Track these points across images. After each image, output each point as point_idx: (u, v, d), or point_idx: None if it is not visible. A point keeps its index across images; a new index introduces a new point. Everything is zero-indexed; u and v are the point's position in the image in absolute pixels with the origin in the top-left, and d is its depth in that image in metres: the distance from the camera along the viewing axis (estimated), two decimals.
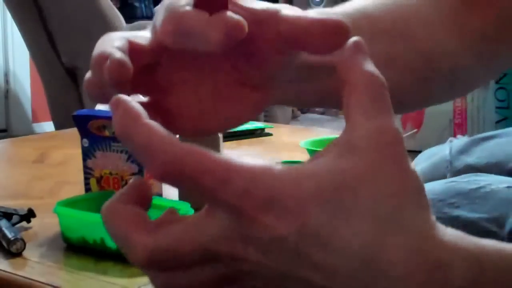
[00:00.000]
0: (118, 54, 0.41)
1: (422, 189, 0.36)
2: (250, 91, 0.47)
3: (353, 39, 0.39)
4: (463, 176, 0.65)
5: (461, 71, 0.59)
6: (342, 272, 0.34)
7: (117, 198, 0.38)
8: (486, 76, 0.65)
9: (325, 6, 7.39)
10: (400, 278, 0.34)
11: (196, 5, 0.42)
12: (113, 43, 0.43)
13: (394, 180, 0.35)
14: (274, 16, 0.43)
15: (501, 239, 0.54)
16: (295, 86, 0.49)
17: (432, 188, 0.61)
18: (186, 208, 0.89)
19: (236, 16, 0.41)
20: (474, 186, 0.59)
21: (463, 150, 0.79)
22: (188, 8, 0.42)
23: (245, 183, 0.34)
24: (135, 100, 0.37)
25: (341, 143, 0.36)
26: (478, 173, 0.69)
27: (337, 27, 0.40)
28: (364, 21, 0.55)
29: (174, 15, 0.42)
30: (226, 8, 0.42)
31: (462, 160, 0.77)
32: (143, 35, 0.45)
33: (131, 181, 0.40)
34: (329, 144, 0.36)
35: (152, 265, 0.37)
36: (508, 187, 0.59)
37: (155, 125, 0.35)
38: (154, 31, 0.44)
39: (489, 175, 0.66)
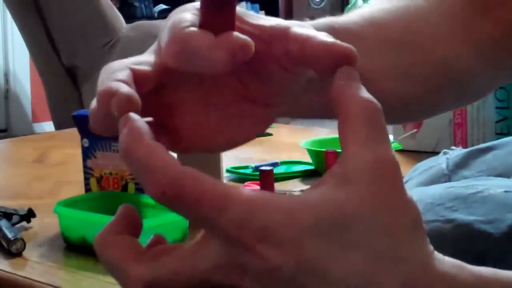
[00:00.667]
0: (125, 89, 0.40)
1: (419, 219, 0.36)
2: (257, 107, 0.47)
3: (344, 68, 0.38)
4: (462, 181, 0.65)
5: (471, 79, 0.59)
6: None
7: (108, 228, 0.38)
8: (494, 84, 0.65)
9: (325, 6, 7.32)
10: None
11: (201, 25, 0.41)
12: (116, 75, 0.41)
13: (390, 213, 0.35)
14: (284, 34, 0.42)
15: (496, 240, 0.54)
16: (303, 99, 0.49)
17: (431, 192, 0.61)
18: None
19: (243, 37, 0.40)
20: (472, 191, 0.59)
21: (461, 164, 0.78)
22: (193, 28, 0.40)
23: (243, 212, 0.34)
24: (143, 120, 0.37)
25: (338, 174, 0.36)
26: (477, 178, 0.69)
27: (346, 55, 0.39)
28: (371, 30, 0.54)
29: (178, 36, 0.40)
30: (232, 28, 0.41)
31: (460, 174, 0.77)
32: (146, 59, 0.44)
33: (119, 209, 0.40)
34: (326, 175, 0.36)
35: None
36: (506, 191, 0.59)
37: (157, 145, 0.35)
38: (159, 52, 0.42)
39: (487, 179, 0.66)
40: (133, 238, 0.38)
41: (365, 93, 0.37)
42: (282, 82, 0.45)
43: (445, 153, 0.83)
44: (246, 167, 1.28)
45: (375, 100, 0.37)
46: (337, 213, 0.34)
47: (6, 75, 5.10)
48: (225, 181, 1.19)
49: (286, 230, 0.34)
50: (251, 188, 0.37)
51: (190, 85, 0.45)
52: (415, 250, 0.35)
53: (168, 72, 0.43)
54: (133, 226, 0.39)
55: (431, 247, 0.36)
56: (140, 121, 0.36)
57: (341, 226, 0.34)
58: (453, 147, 0.88)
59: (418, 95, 0.56)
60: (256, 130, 0.47)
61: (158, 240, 0.39)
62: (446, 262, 0.36)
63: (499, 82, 0.66)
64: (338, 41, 0.40)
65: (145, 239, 0.92)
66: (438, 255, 0.36)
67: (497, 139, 1.36)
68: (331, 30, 0.47)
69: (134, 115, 0.37)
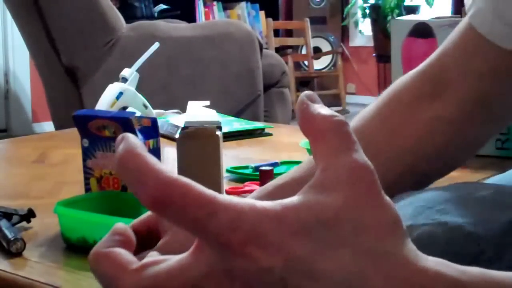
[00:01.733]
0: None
1: (398, 219, 0.37)
2: None
3: (303, 94, 0.41)
4: (452, 184, 0.65)
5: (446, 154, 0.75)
6: None
7: (102, 245, 0.40)
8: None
9: (325, 6, 7.31)
10: None
11: None
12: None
13: (370, 213, 0.37)
14: None
15: (485, 242, 0.54)
16: None
17: (422, 196, 0.61)
18: None
19: None
20: (463, 193, 0.60)
21: None
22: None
23: (231, 217, 0.35)
24: (139, 140, 0.38)
25: (316, 184, 0.37)
26: (467, 182, 0.70)
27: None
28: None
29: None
30: None
31: None
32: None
33: (113, 227, 0.41)
34: (305, 187, 0.37)
35: None
36: (496, 192, 0.59)
37: (148, 156, 0.36)
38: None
39: (478, 182, 0.66)
40: (125, 251, 0.39)
41: (325, 110, 0.39)
42: None
43: None
44: (246, 167, 1.28)
45: (337, 114, 0.39)
46: (320, 215, 0.36)
47: (6, 75, 5.10)
48: (225, 181, 1.19)
49: (273, 232, 0.35)
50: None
51: None
52: (397, 246, 0.37)
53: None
54: (126, 243, 0.40)
55: (414, 246, 0.37)
56: (135, 139, 0.38)
57: (325, 226, 0.36)
58: None
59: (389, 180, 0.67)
60: None
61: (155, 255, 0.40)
62: (430, 259, 0.37)
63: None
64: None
65: None
66: (421, 254, 0.38)
67: (497, 139, 1.36)
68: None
69: (130, 135, 0.38)
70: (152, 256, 0.41)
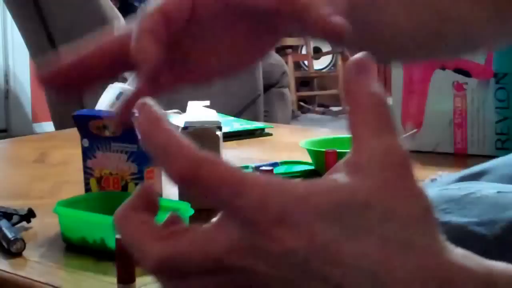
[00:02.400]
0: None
1: (429, 207, 0.37)
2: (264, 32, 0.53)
3: (356, 57, 0.39)
4: (455, 184, 0.65)
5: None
6: (349, 286, 0.35)
7: (127, 205, 0.40)
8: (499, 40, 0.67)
9: None
10: None
11: None
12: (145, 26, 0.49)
13: (401, 200, 0.36)
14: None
15: (489, 242, 0.54)
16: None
17: None
18: (186, 208, 0.89)
19: None
20: (465, 192, 0.60)
21: None
22: None
23: (259, 197, 0.35)
24: (158, 105, 0.38)
25: (350, 164, 0.37)
26: (470, 181, 0.69)
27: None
28: None
29: None
30: None
31: None
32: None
33: (137, 188, 0.40)
34: (339, 163, 0.38)
35: (162, 273, 0.38)
36: (498, 192, 0.59)
37: (175, 130, 0.37)
38: None
39: (480, 183, 0.66)
40: (151, 217, 0.39)
41: (373, 86, 0.38)
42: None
43: (432, 181, 0.82)
44: (246, 167, 1.28)
45: (382, 93, 0.38)
46: (350, 199, 0.35)
47: (6, 75, 5.10)
48: None
49: (301, 214, 0.35)
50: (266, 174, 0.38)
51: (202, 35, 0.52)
52: (425, 236, 0.36)
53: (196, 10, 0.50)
54: (151, 205, 0.40)
55: (443, 237, 0.37)
56: (156, 106, 0.38)
57: (353, 212, 0.35)
58: (439, 172, 0.87)
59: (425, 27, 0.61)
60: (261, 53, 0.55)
61: (174, 220, 0.39)
62: (457, 252, 0.37)
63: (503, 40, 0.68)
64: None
65: None
66: (450, 246, 0.37)
67: (497, 139, 1.36)
68: None
69: (149, 101, 0.38)
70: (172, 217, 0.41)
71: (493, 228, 0.54)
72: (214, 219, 0.37)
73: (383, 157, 0.36)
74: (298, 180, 0.36)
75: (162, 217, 0.39)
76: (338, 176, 0.37)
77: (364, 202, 0.35)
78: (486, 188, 0.60)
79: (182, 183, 0.36)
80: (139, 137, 0.37)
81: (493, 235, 0.54)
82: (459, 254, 0.37)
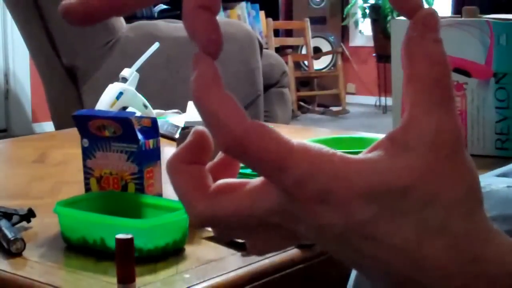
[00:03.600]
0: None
1: (474, 186, 0.37)
2: None
3: (423, 12, 0.37)
4: None
5: None
6: (382, 259, 0.36)
7: (180, 155, 0.39)
8: None
9: (325, 6, 7.30)
10: (434, 268, 0.36)
11: None
12: None
13: (446, 185, 0.36)
14: None
15: None
16: None
17: None
18: None
19: None
20: None
21: None
22: None
23: (302, 174, 0.35)
24: (214, 64, 0.37)
25: (396, 140, 0.36)
26: (480, 176, 0.68)
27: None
28: None
29: None
30: None
31: None
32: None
33: (190, 135, 0.40)
34: (386, 138, 0.36)
35: (207, 226, 0.39)
36: (508, 186, 0.59)
37: (227, 98, 0.36)
38: None
39: (490, 177, 0.65)
40: (202, 169, 0.39)
41: (436, 50, 0.36)
42: None
43: None
44: (246, 167, 1.27)
45: (444, 60, 0.36)
46: (390, 183, 0.35)
47: (6, 75, 5.10)
48: None
49: (341, 194, 0.35)
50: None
51: None
52: (466, 221, 0.36)
53: None
54: (204, 152, 0.40)
55: (486, 218, 0.37)
56: (212, 66, 0.37)
57: (393, 195, 0.35)
58: None
59: None
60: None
61: (226, 163, 0.40)
62: (501, 234, 0.37)
63: None
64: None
65: (145, 240, 0.92)
66: (494, 228, 0.37)
67: (497, 139, 1.36)
68: None
69: (207, 57, 0.37)
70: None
71: (503, 224, 0.54)
72: (260, 178, 0.38)
73: (433, 138, 0.35)
74: (343, 156, 0.36)
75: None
76: (382, 155, 0.36)
77: (407, 186, 0.35)
78: (496, 183, 0.60)
79: (227, 152, 0.36)
80: (192, 95, 0.37)
81: (504, 231, 0.54)
82: (500, 234, 0.37)
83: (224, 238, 0.40)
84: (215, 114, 0.36)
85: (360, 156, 0.36)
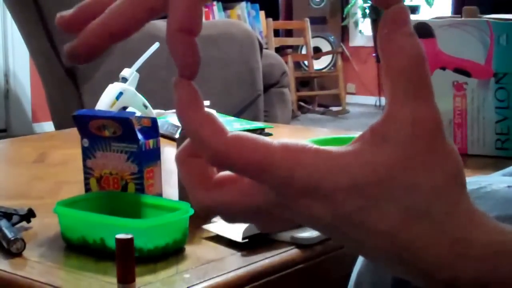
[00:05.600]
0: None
1: (456, 173, 0.37)
2: None
3: (393, 8, 0.37)
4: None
5: None
6: (370, 244, 0.38)
7: (186, 149, 0.42)
8: None
9: (325, 6, 7.29)
10: (420, 250, 0.37)
11: None
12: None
13: (426, 174, 0.37)
14: None
15: None
16: None
17: None
18: (186, 208, 0.89)
19: None
20: (475, 187, 0.59)
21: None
22: None
23: (285, 172, 0.37)
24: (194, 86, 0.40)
25: (377, 132, 0.37)
26: (480, 175, 0.69)
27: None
28: None
29: None
30: None
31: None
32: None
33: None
34: (367, 130, 0.38)
35: (207, 213, 0.42)
36: (509, 186, 0.59)
37: (208, 116, 0.39)
38: None
39: (491, 177, 0.65)
40: (205, 163, 0.41)
41: (407, 42, 0.37)
42: None
43: None
44: None
45: (419, 51, 0.37)
46: (374, 173, 0.37)
47: (6, 75, 5.10)
48: None
49: (325, 188, 0.37)
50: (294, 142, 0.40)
51: None
52: (448, 206, 0.37)
53: None
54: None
55: (469, 201, 0.38)
56: (190, 88, 0.39)
57: (377, 185, 0.37)
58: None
59: None
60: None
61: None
62: (484, 214, 0.38)
63: None
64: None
65: (145, 240, 0.92)
66: (478, 210, 0.38)
67: (497, 139, 1.36)
68: None
69: (184, 80, 0.39)
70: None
71: (503, 223, 0.54)
72: None
73: (409, 128, 0.36)
74: (325, 150, 0.37)
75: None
76: (364, 147, 0.37)
77: (388, 176, 0.36)
78: (496, 183, 0.60)
79: (214, 165, 0.40)
80: (176, 114, 0.39)
81: None
82: (485, 215, 0.38)
83: (229, 222, 0.43)
84: (196, 134, 0.39)
85: (342, 148, 0.37)
